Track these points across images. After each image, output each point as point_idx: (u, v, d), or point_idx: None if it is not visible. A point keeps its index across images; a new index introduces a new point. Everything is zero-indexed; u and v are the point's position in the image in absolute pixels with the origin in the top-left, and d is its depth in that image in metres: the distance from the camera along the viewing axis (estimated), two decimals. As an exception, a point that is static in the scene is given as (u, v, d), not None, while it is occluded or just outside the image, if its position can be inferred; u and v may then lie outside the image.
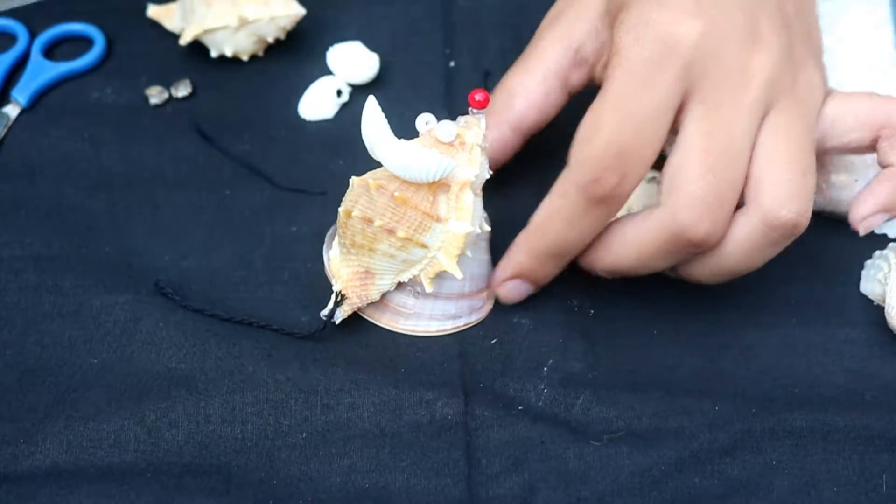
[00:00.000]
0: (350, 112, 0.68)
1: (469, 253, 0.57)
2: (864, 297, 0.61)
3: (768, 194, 0.51)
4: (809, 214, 0.53)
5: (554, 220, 0.54)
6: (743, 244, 0.53)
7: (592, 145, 0.51)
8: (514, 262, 0.57)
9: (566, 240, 0.54)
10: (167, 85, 0.69)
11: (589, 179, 0.51)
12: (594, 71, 0.58)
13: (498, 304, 0.60)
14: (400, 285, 0.58)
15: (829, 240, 0.63)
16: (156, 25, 0.72)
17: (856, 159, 0.62)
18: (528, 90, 0.58)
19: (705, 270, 0.54)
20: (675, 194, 0.51)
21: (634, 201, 0.60)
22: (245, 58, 0.70)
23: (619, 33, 0.52)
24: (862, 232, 0.56)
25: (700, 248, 0.52)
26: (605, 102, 0.51)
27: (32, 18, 0.72)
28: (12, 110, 0.68)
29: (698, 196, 0.51)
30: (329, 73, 0.70)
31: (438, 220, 0.55)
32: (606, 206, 0.52)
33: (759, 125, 0.52)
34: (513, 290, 0.58)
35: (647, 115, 0.51)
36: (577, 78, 0.58)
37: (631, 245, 0.53)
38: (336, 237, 0.58)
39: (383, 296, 0.58)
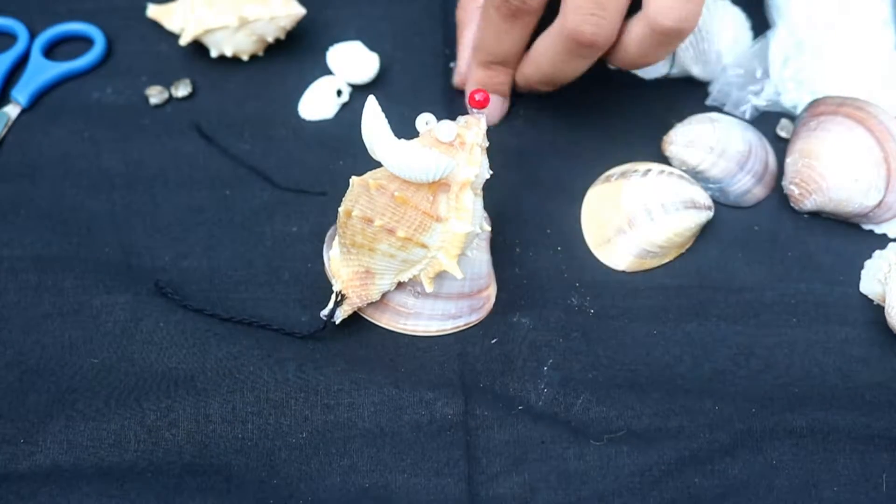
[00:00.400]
0: (350, 112, 0.68)
1: (469, 253, 0.57)
2: (865, 297, 0.61)
3: (652, 3, 0.57)
4: (694, 19, 0.58)
5: (485, 37, 0.63)
6: (635, 44, 0.60)
7: None
8: (472, 78, 0.66)
9: (500, 50, 0.63)
10: (167, 85, 0.69)
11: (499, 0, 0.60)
12: None
13: (498, 304, 0.60)
14: (400, 285, 0.58)
15: (830, 239, 0.63)
16: (156, 25, 0.72)
17: (858, 158, 0.62)
18: None
19: (617, 62, 0.62)
20: (564, 5, 0.58)
21: None
22: (245, 58, 0.70)
23: None
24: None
25: (593, 49, 0.59)
26: None
27: (33, 18, 0.72)
28: (12, 110, 0.68)
29: (581, 4, 0.57)
30: (329, 73, 0.70)
31: (438, 219, 0.55)
32: (520, 20, 0.61)
33: None
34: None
35: None
36: None
37: (544, 54, 0.62)
38: (336, 237, 0.58)
39: (383, 296, 0.58)
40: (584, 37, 0.58)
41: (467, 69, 0.67)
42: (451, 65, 0.70)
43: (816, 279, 0.62)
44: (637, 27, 0.59)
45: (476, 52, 0.65)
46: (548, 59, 0.62)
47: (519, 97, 0.69)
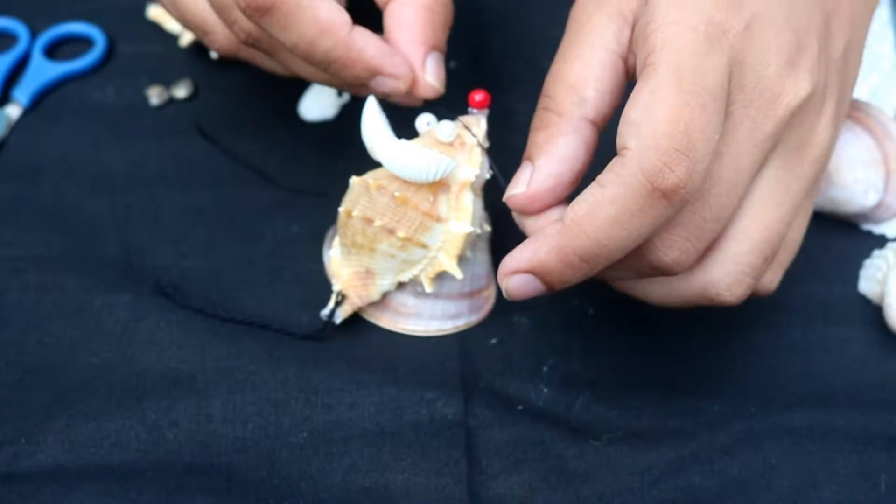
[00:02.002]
0: (350, 112, 0.68)
1: (469, 253, 0.57)
2: (863, 297, 0.61)
3: (722, 270, 0.49)
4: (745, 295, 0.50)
5: (601, 216, 0.45)
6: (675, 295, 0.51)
7: (657, 124, 0.44)
8: (536, 258, 0.47)
9: (611, 241, 0.45)
10: (168, 85, 0.69)
11: (656, 165, 0.43)
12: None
13: (498, 304, 0.60)
14: (400, 285, 0.58)
15: (829, 240, 0.63)
16: (156, 26, 0.72)
17: (857, 158, 0.62)
18: (595, 76, 0.49)
19: (661, 292, 0.51)
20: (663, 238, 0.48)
21: None
22: (246, 58, 0.70)
23: (661, 6, 0.46)
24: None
25: (667, 272, 0.48)
26: (662, 78, 0.44)
27: (34, 18, 0.72)
28: (14, 110, 0.68)
29: (680, 222, 0.47)
30: (329, 73, 0.70)
31: (439, 220, 0.55)
32: (669, 203, 0.44)
33: (761, 168, 0.48)
34: (522, 288, 0.48)
35: (709, 91, 0.44)
36: (633, 58, 0.49)
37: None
38: (336, 237, 0.58)
39: (384, 296, 0.58)
40: (666, 263, 0.47)
41: (538, 207, 0.51)
42: (451, 64, 0.70)
43: (815, 279, 0.62)
44: (689, 280, 0.49)
45: (571, 232, 0.46)
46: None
47: (520, 94, 0.69)
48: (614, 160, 0.45)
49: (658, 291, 0.51)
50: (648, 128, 0.44)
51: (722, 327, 0.60)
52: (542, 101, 0.51)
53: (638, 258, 0.47)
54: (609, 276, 0.50)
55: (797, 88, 0.47)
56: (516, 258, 0.48)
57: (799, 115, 0.48)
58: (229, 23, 0.54)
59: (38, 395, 0.56)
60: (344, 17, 0.52)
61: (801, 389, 0.57)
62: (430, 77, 0.54)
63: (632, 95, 0.46)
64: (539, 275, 0.48)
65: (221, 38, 0.56)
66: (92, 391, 0.56)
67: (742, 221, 0.48)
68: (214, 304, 0.59)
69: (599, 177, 0.46)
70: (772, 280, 0.51)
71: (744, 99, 0.46)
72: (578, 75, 0.49)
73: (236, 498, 0.53)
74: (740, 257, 0.48)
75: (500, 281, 0.49)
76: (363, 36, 0.53)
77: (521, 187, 0.50)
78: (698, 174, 0.44)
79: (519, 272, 0.48)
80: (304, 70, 0.56)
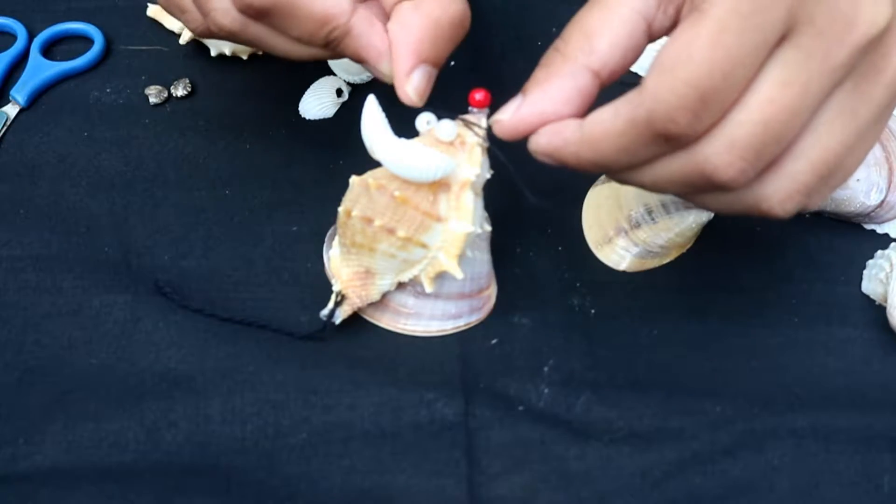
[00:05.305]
0: (350, 111, 0.68)
1: (469, 253, 0.57)
2: (866, 297, 0.61)
3: (777, 185, 0.48)
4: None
5: (608, 142, 0.48)
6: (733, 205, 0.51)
7: (677, 79, 0.45)
8: (555, 146, 0.50)
9: (612, 161, 0.49)
10: (167, 84, 0.69)
11: (663, 115, 0.46)
12: (680, 13, 0.50)
13: (498, 304, 0.60)
14: (400, 285, 0.58)
15: (831, 239, 0.63)
16: (155, 24, 0.72)
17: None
18: (611, 30, 0.49)
19: (713, 200, 0.51)
20: (715, 140, 0.47)
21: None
22: (245, 56, 0.70)
23: None
24: (407, 97, 0.54)
25: (724, 189, 0.48)
26: (701, 34, 0.45)
27: (31, 17, 0.72)
28: (11, 109, 0.68)
29: (741, 144, 0.47)
30: (329, 72, 0.70)
31: (439, 219, 0.54)
32: (670, 145, 0.47)
33: (830, 93, 0.47)
34: (549, 144, 0.51)
35: (744, 57, 0.45)
36: (662, 20, 0.50)
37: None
38: (336, 237, 0.58)
39: (383, 296, 0.58)
40: (725, 178, 0.47)
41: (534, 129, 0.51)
42: (451, 63, 0.70)
43: (818, 279, 0.61)
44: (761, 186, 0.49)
45: (584, 144, 0.49)
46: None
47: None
48: (635, 90, 0.47)
49: (710, 200, 0.51)
50: (669, 77, 0.45)
51: (723, 327, 0.59)
52: (555, 42, 0.51)
53: (695, 175, 0.48)
54: (663, 188, 0.51)
55: (875, 16, 0.46)
56: (545, 133, 0.51)
57: (875, 42, 0.47)
58: (204, 12, 0.55)
59: (37, 396, 0.56)
60: (342, 6, 0.53)
61: (804, 390, 0.57)
62: (411, 89, 0.55)
63: (672, 34, 0.46)
64: (556, 157, 0.51)
65: (197, 20, 0.56)
66: (90, 392, 0.56)
67: (805, 141, 0.48)
68: (213, 304, 0.59)
69: (619, 101, 0.48)
70: (817, 200, 0.51)
71: (814, 31, 0.46)
72: (594, 25, 0.50)
73: (235, 499, 0.53)
74: (798, 175, 0.48)
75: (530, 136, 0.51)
76: (363, 23, 0.54)
77: (507, 115, 0.51)
78: (703, 125, 0.46)
79: (543, 146, 0.51)
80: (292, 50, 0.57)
